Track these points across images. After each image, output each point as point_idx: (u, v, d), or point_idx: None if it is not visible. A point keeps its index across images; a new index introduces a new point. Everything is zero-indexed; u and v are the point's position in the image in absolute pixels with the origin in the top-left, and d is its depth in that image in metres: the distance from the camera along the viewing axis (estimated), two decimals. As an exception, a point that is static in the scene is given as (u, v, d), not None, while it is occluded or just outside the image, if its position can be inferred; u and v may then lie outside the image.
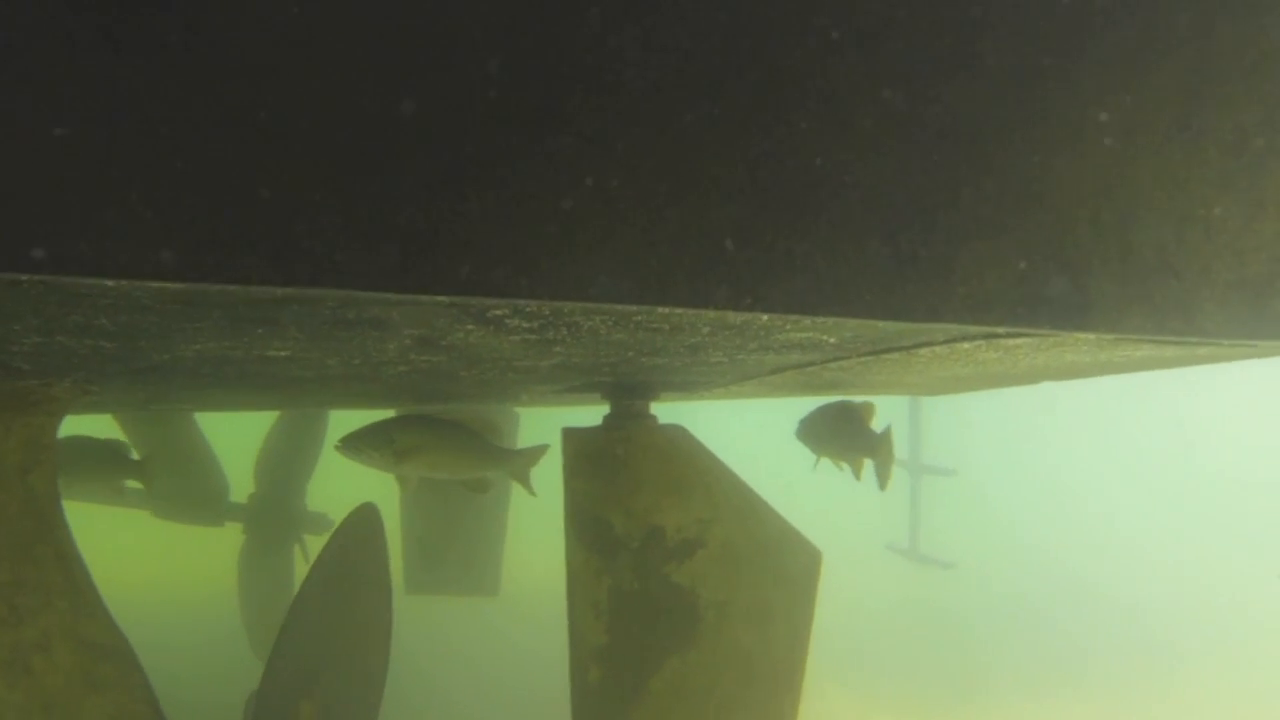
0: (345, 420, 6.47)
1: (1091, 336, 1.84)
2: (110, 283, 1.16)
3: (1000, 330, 1.74)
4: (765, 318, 1.60)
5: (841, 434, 4.25)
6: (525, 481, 4.49)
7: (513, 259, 1.15)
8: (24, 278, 1.20)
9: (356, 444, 3.93)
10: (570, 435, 3.07)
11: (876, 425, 4.20)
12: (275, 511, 6.30)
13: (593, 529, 3.06)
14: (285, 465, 6.32)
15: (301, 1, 1.04)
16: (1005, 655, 7.88)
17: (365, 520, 3.03)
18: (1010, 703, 6.79)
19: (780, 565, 3.34)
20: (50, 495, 2.66)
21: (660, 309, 1.30)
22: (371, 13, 1.07)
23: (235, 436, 6.84)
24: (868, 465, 4.25)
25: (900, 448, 10.51)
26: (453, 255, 1.12)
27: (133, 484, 5.52)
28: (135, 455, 5.08)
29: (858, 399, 4.30)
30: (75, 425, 4.32)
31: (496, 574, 6.52)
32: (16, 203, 0.98)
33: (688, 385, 3.14)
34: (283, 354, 1.98)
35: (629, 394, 3.07)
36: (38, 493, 2.62)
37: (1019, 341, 1.98)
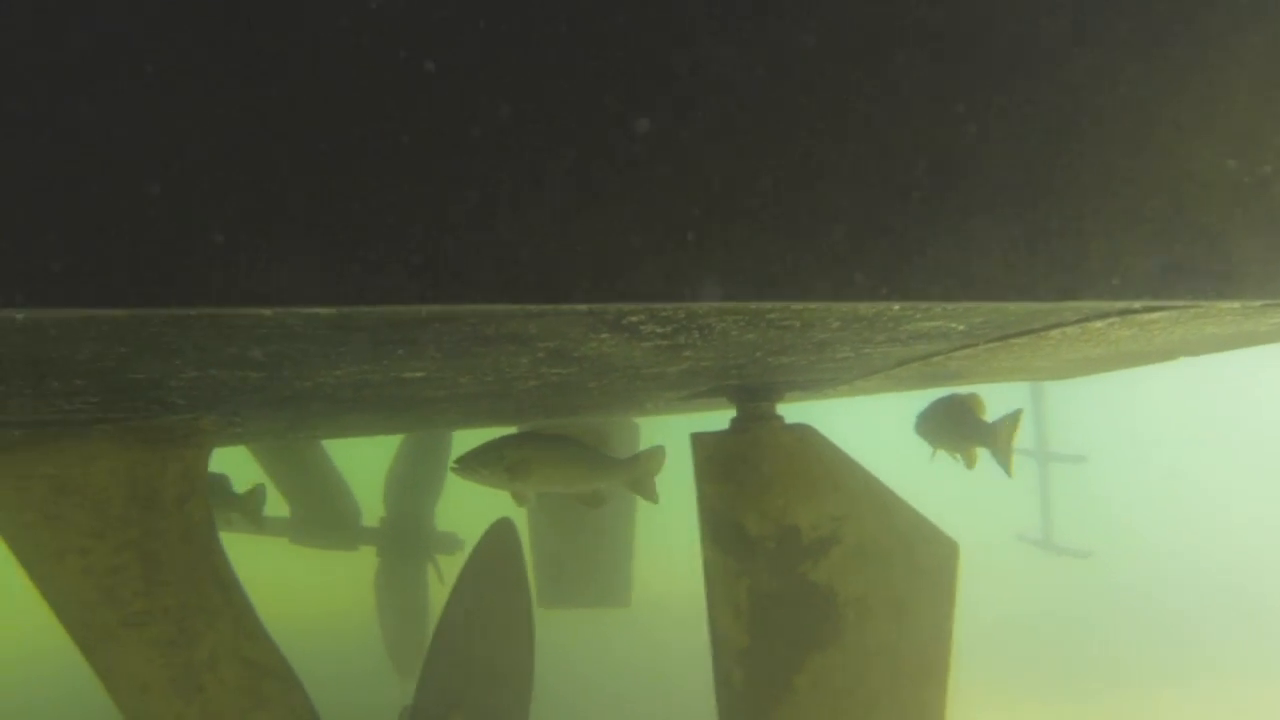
0: (468, 439, 6.63)
1: (1236, 305, 1.79)
2: (269, 312, 1.23)
3: (1137, 305, 1.71)
4: (897, 307, 1.60)
5: (959, 426, 4.31)
6: (645, 489, 4.39)
7: (652, 263, 1.17)
8: (194, 312, 1.28)
9: (470, 464, 4.02)
10: (699, 440, 3.09)
11: (988, 417, 4.28)
12: (406, 533, 6.46)
13: (727, 532, 3.07)
14: (413, 487, 6.49)
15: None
16: (1147, 645, 7.64)
17: (503, 534, 3.10)
18: (1156, 694, 6.58)
19: (917, 558, 3.30)
20: (207, 523, 2.79)
21: (795, 305, 1.31)
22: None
23: (363, 461, 7.05)
24: (983, 455, 4.33)
25: (1025, 436, 10.35)
26: (589, 263, 1.15)
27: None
28: (237, 489, 5.22)
29: (964, 391, 4.41)
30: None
31: (627, 585, 6.57)
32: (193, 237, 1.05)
33: (812, 384, 3.14)
34: (419, 375, 2.05)
35: (754, 396, 3.08)
36: (195, 521, 2.74)
37: (1156, 316, 1.93)
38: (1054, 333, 2.14)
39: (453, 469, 4.10)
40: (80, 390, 1.96)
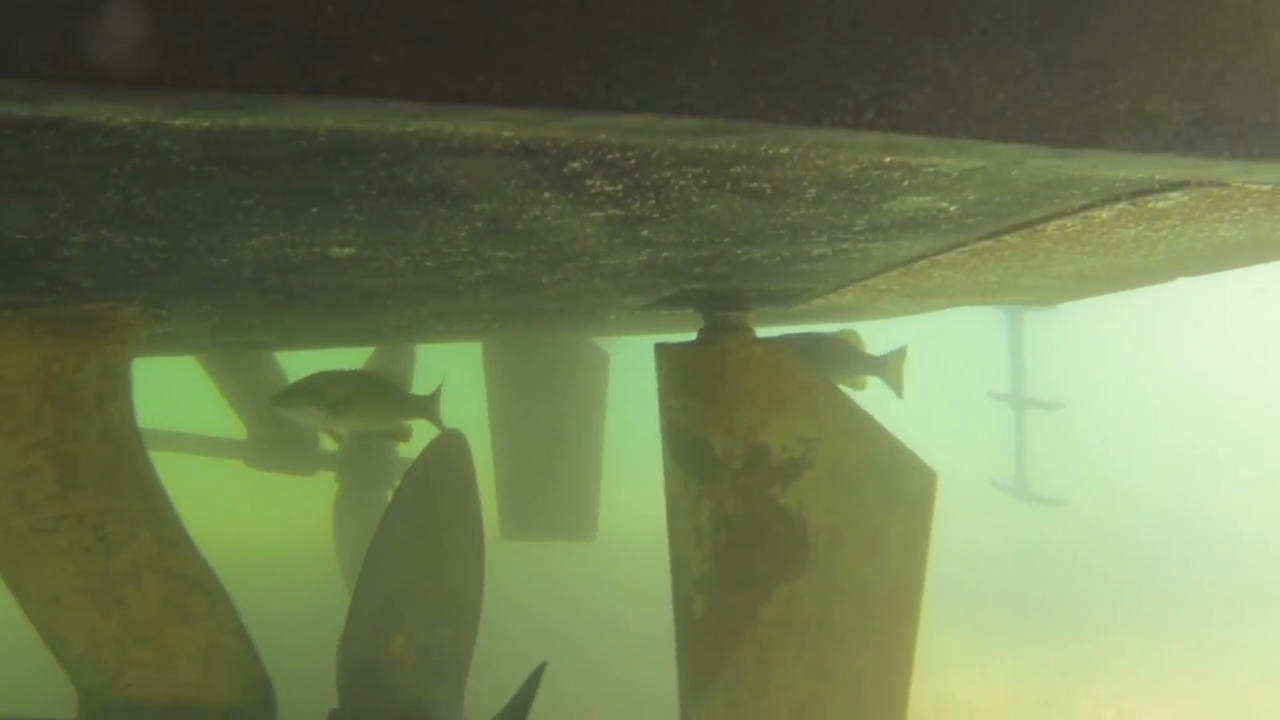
0: (429, 355, 6.42)
1: (1266, 188, 1.59)
2: (126, 120, 1.01)
3: (1158, 177, 1.51)
4: (880, 167, 1.39)
5: (845, 360, 4.57)
6: (440, 424, 4.56)
7: (587, 55, 0.95)
8: (34, 130, 1.06)
9: (290, 399, 4.03)
10: (663, 351, 2.89)
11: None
12: (367, 458, 6.27)
13: (691, 450, 2.88)
14: (375, 412, 6.28)
15: None
16: (1120, 592, 7.57)
17: (450, 446, 2.90)
18: (1129, 642, 6.52)
19: (893, 487, 3.13)
20: (130, 426, 2.59)
21: (763, 131, 1.10)
22: None
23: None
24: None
25: (1003, 382, 10.22)
26: (514, 51, 0.93)
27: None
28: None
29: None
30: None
31: (593, 517, 6.41)
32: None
33: (784, 295, 2.93)
34: (347, 252, 1.83)
35: (723, 304, 2.87)
36: (116, 423, 2.54)
37: (1170, 203, 1.73)
38: (1051, 228, 1.94)
39: (271, 405, 4.12)
40: (-42, 256, 1.73)
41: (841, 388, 4.49)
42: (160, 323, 2.61)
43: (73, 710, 2.61)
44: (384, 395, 4.45)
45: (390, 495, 6.26)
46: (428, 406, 4.68)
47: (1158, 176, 1.48)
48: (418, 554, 2.75)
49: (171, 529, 2.64)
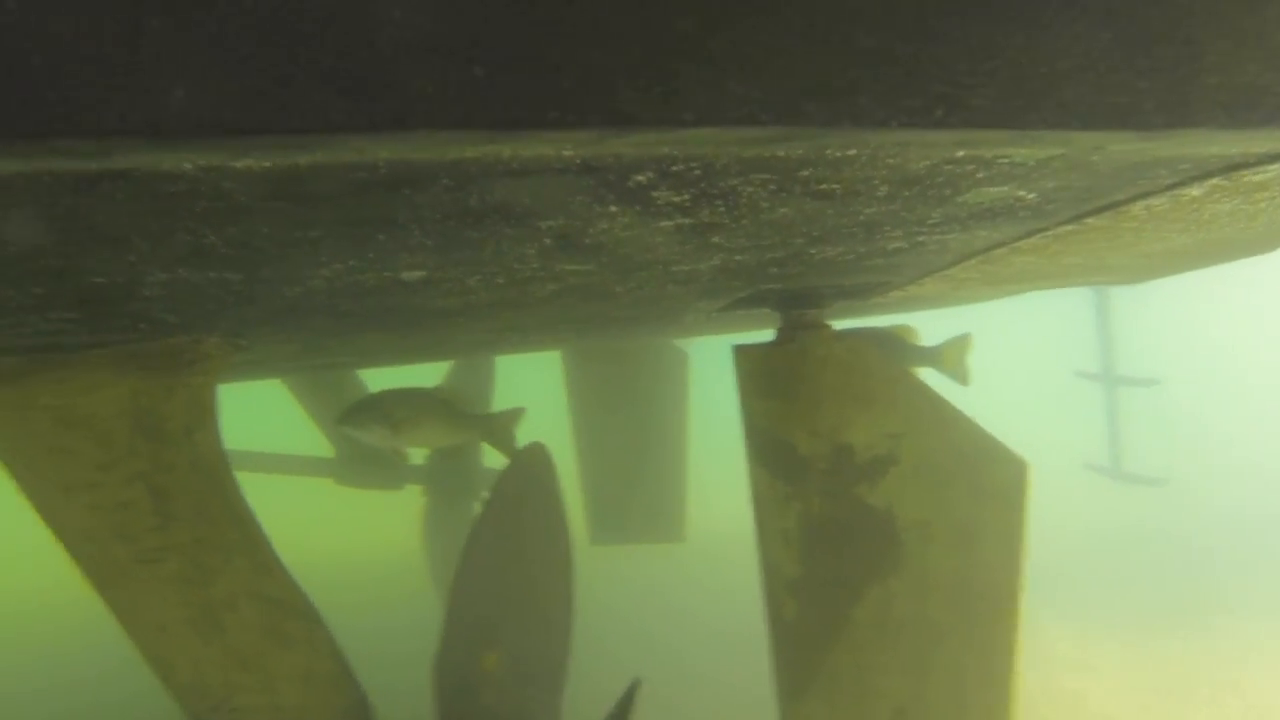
0: (510, 366, 6.46)
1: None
2: (189, 166, 1.02)
3: (1256, 151, 1.43)
4: (953, 161, 1.35)
5: (899, 354, 4.53)
6: (503, 444, 4.67)
7: (641, 71, 0.93)
8: (104, 182, 1.07)
9: (355, 418, 4.09)
10: (742, 353, 2.85)
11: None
12: (453, 471, 6.32)
13: (775, 452, 2.84)
14: (459, 424, 6.34)
15: None
16: (1231, 575, 7.29)
17: (533, 459, 2.90)
18: (1247, 627, 6.27)
19: (983, 479, 3.05)
20: (218, 455, 2.63)
21: (827, 136, 1.06)
22: None
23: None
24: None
25: (1092, 360, 9.93)
26: (566, 73, 0.91)
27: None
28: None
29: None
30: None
31: (681, 518, 6.38)
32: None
33: (861, 290, 2.88)
34: (418, 275, 1.84)
35: (799, 303, 2.83)
36: (204, 452, 2.59)
37: (1269, 175, 1.65)
38: (1137, 208, 1.86)
39: (336, 424, 4.20)
40: (45, 302, 1.77)
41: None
42: (241, 351, 2.65)
43: (183, 733, 2.66)
44: (448, 414, 4.51)
45: (477, 507, 6.36)
46: (491, 426, 4.76)
47: (1255, 150, 1.41)
48: (507, 569, 2.76)
49: (264, 555, 2.68)
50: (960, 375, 4.75)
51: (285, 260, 1.60)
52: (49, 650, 6.54)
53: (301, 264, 1.64)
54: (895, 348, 4.48)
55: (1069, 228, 2.02)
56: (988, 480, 3.08)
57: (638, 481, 6.20)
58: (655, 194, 1.38)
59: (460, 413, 4.62)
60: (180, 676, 2.66)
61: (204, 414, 2.62)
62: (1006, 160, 1.35)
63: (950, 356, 4.71)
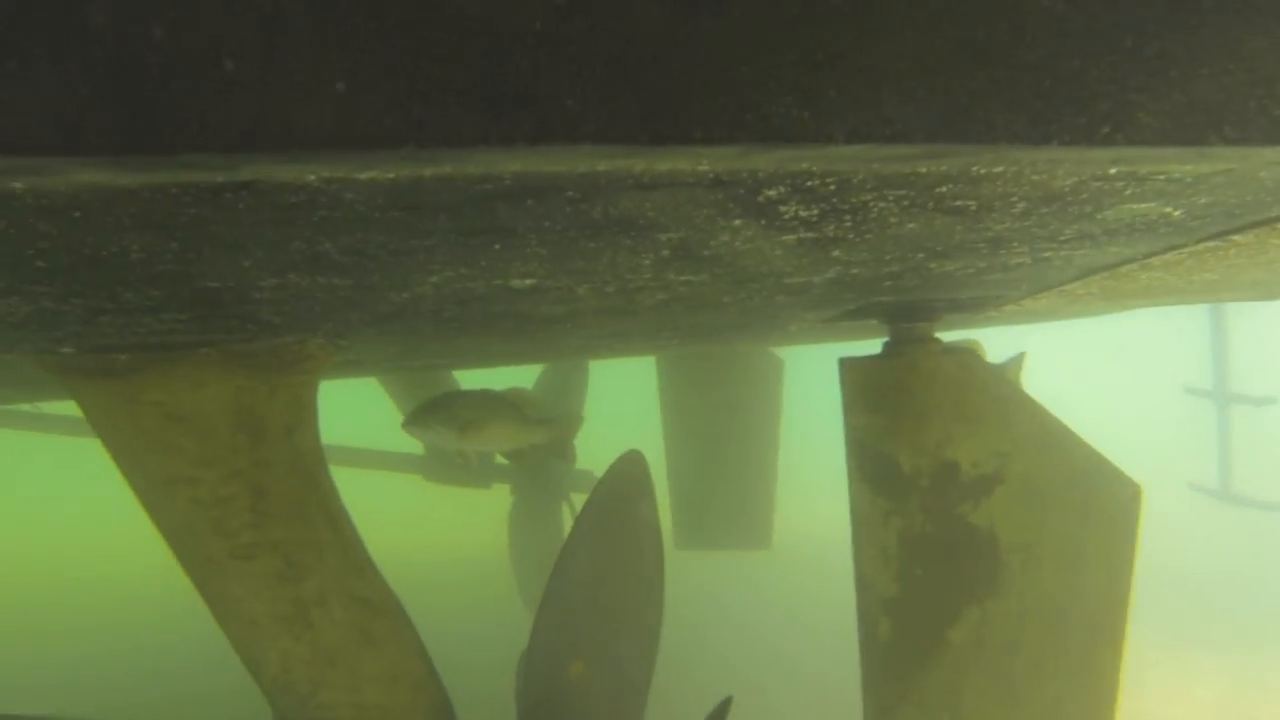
0: (603, 370, 6.44)
1: None
2: (313, 178, 0.99)
3: None
4: (1102, 178, 1.27)
5: None
6: (563, 449, 4.89)
7: (792, 87, 0.88)
8: (227, 193, 1.05)
9: (422, 420, 4.09)
10: (849, 366, 2.78)
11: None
12: (541, 471, 6.32)
13: (878, 467, 2.76)
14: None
15: None
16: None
17: (631, 468, 2.86)
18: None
19: (1092, 501, 2.94)
20: (316, 454, 2.64)
21: (980, 155, 1.00)
22: None
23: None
24: None
25: (1204, 375, 9.58)
26: (714, 89, 0.86)
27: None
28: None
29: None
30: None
31: (768, 526, 6.30)
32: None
33: (974, 304, 2.78)
34: (528, 283, 1.80)
35: (909, 316, 2.74)
36: (303, 451, 2.59)
37: None
38: (1291, 225, 1.75)
39: (403, 426, 4.21)
40: (160, 304, 1.78)
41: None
42: (342, 352, 2.65)
43: (271, 727, 2.68)
44: (514, 416, 4.53)
45: (564, 508, 6.35)
46: (554, 430, 4.81)
47: None
48: (600, 578, 2.72)
49: (356, 555, 2.68)
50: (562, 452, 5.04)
51: (396, 267, 1.57)
52: (153, 639, 6.71)
53: (411, 271, 1.62)
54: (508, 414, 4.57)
55: (1212, 244, 1.91)
56: (1097, 503, 2.97)
57: (727, 487, 6.14)
58: (783, 208, 1.33)
59: (527, 416, 4.64)
60: (269, 671, 2.67)
61: (304, 413, 2.63)
62: (1162, 176, 1.27)
63: (1009, 375, 4.62)
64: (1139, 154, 1.02)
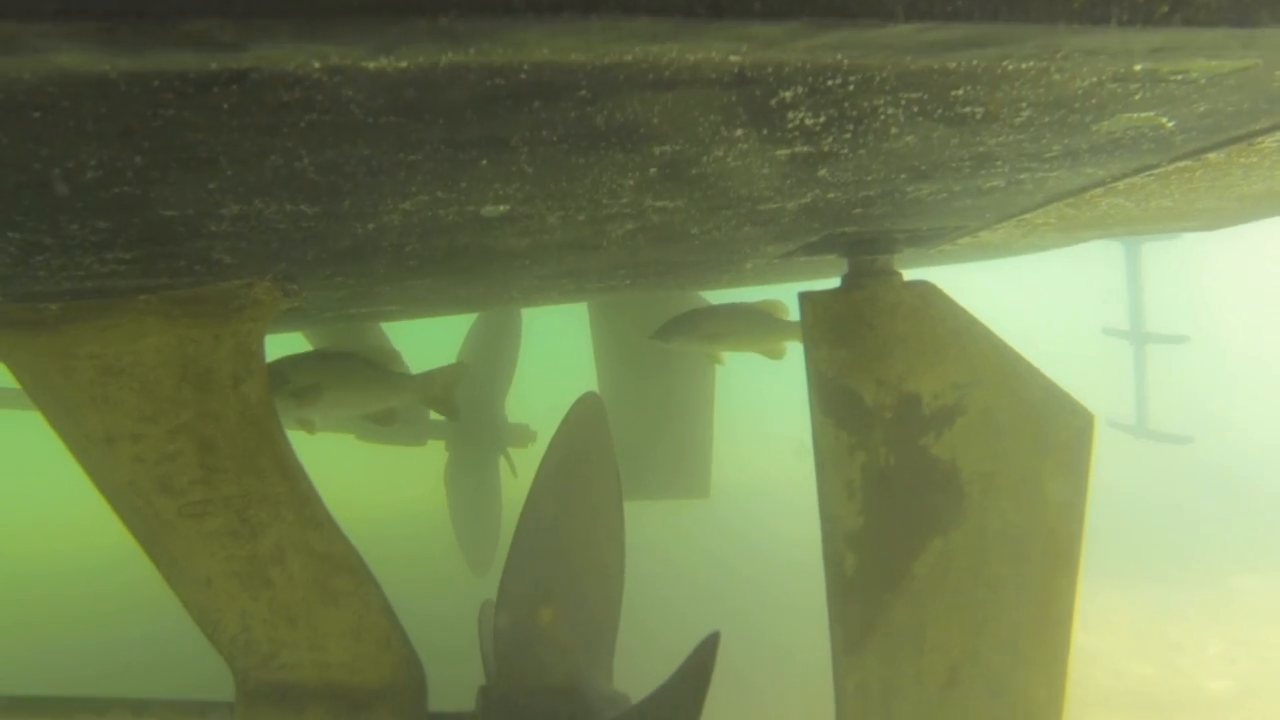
0: (538, 318, 6.34)
1: None
2: (317, 64, 0.90)
3: None
4: (1121, 78, 1.23)
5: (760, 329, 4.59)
6: (444, 406, 4.36)
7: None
8: (215, 88, 0.96)
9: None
10: (809, 300, 2.74)
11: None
12: (476, 426, 6.23)
13: (840, 401, 2.74)
14: (483, 378, 6.23)
15: None
16: (1250, 534, 7.22)
17: (589, 410, 2.80)
18: (1265, 583, 6.21)
19: (1049, 431, 2.96)
20: (266, 405, 2.53)
21: (1035, 37, 0.95)
22: None
23: (428, 350, 6.80)
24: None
25: (1120, 315, 9.82)
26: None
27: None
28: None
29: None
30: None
31: (706, 475, 6.30)
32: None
33: (933, 234, 2.76)
34: (501, 209, 1.72)
35: (870, 249, 2.72)
36: (253, 402, 2.48)
37: None
38: (1271, 140, 1.75)
39: None
40: (107, 238, 1.66)
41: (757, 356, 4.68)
42: (291, 298, 2.54)
43: (230, 691, 2.59)
44: (369, 377, 4.03)
45: (500, 461, 6.28)
46: (429, 386, 4.37)
47: None
48: (565, 523, 2.67)
49: (313, 509, 2.58)
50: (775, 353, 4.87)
51: (371, 190, 1.48)
52: (102, 609, 6.49)
53: (386, 195, 1.53)
54: (761, 322, 4.54)
55: (1183, 164, 1.91)
56: (1053, 432, 2.99)
57: (665, 437, 6.11)
58: (791, 114, 1.27)
59: (388, 374, 4.15)
60: (227, 632, 2.58)
61: (252, 363, 2.51)
62: (1180, 76, 1.24)
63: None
64: (1187, 37, 0.98)
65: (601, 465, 2.82)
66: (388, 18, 0.74)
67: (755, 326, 4.49)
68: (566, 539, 2.72)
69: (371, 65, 0.91)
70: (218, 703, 2.62)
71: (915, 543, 2.86)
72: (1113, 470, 8.83)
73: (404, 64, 0.92)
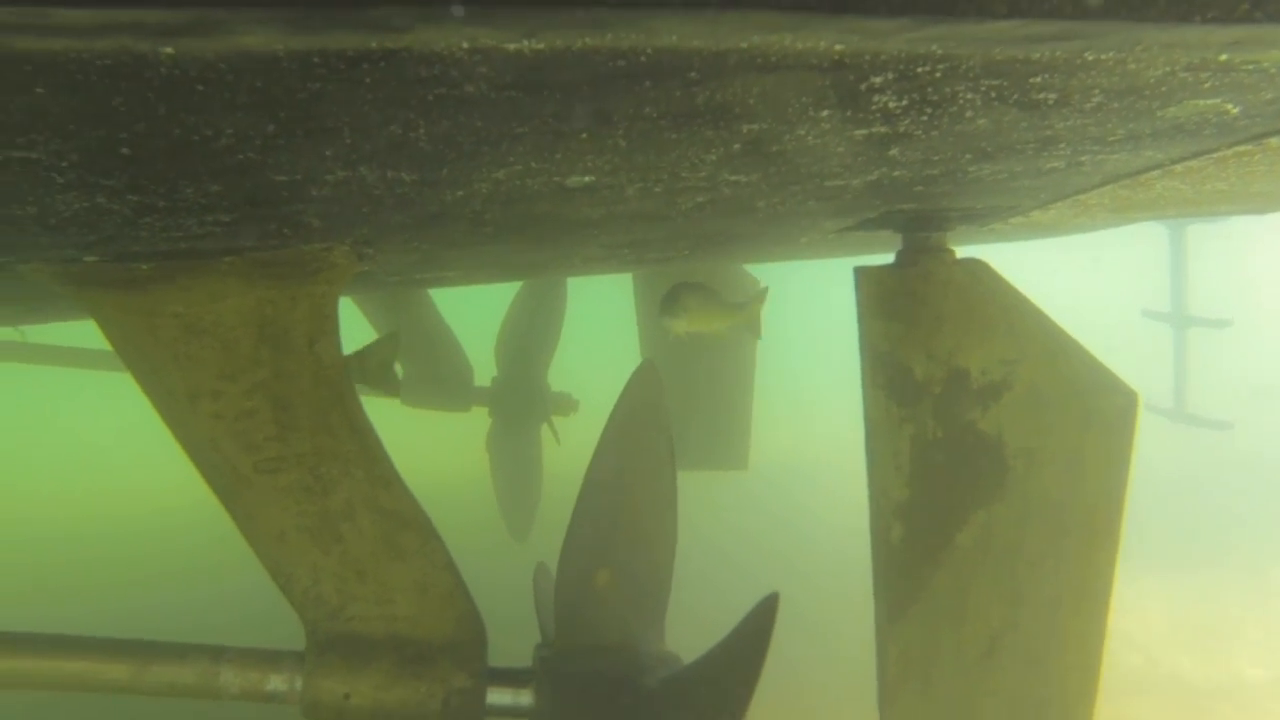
0: (582, 288, 6.42)
1: None
2: (465, 45, 0.98)
3: None
4: (1192, 68, 1.30)
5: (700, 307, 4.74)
6: (755, 327, 5.07)
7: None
8: (364, 64, 1.04)
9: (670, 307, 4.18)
10: (865, 274, 2.82)
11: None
12: (520, 394, 6.34)
13: (892, 375, 2.82)
14: (527, 347, 6.34)
15: None
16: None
17: (647, 379, 2.89)
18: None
19: (1093, 408, 3.02)
20: (338, 366, 2.63)
21: (1124, 33, 1.02)
22: None
23: (474, 318, 6.91)
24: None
25: (1162, 299, 9.78)
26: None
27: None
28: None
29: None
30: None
31: (745, 447, 6.38)
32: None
33: (988, 213, 2.83)
34: (586, 180, 1.80)
35: (924, 225, 2.78)
36: (326, 363, 2.58)
37: None
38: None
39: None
40: (214, 201, 1.75)
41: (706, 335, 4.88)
42: (365, 262, 2.64)
43: (301, 643, 2.70)
44: (720, 301, 4.65)
45: (544, 429, 6.39)
46: (746, 311, 4.95)
47: None
48: (624, 487, 2.76)
49: (382, 467, 2.69)
50: (756, 329, 5.20)
51: (473, 159, 1.57)
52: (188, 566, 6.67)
53: (484, 164, 1.61)
54: (700, 300, 4.68)
55: (1243, 148, 1.96)
56: (1097, 410, 3.06)
57: (704, 408, 6.20)
58: (876, 98, 1.34)
59: (725, 299, 4.79)
60: (298, 585, 2.69)
61: (326, 324, 2.61)
62: (1252, 65, 1.30)
63: (751, 311, 5.06)
64: (1267, 32, 1.05)
65: (658, 432, 2.91)
66: (552, 6, 0.83)
67: (718, 306, 4.69)
68: (625, 504, 2.82)
69: (512, 47, 1.00)
70: (290, 651, 2.73)
71: (959, 515, 2.93)
72: (1150, 454, 8.85)
73: (541, 46, 1.00)
